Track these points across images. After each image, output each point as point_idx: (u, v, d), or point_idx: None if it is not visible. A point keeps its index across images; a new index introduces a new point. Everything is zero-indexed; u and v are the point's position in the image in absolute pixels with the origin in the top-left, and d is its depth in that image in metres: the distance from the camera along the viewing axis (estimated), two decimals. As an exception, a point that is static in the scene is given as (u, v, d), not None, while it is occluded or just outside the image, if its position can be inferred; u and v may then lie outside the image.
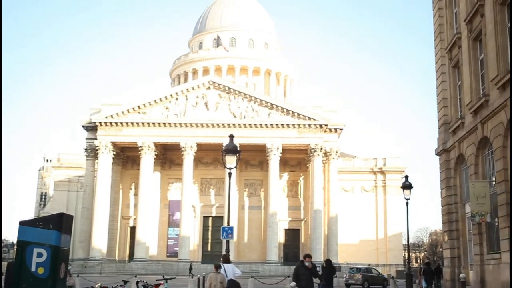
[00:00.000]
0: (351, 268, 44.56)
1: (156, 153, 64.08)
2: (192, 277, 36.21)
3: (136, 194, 66.26)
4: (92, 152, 64.42)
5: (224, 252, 19.89)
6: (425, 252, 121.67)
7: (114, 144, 63.70)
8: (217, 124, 62.10)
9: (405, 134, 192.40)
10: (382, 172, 75.49)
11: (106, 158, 62.73)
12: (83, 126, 65.56)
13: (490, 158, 21.56)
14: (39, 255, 9.28)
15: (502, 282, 19.03)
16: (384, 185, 75.11)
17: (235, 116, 63.07)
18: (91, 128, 64.47)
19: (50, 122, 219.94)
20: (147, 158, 62.58)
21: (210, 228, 67.55)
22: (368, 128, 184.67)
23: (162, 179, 67.89)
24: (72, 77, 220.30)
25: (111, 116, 62.66)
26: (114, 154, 63.98)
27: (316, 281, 18.94)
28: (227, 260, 17.70)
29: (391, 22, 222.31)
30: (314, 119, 62.16)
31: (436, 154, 27.88)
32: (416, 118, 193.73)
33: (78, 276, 32.50)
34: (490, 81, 20.38)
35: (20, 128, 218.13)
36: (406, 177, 34.00)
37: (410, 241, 45.96)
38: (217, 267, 16.38)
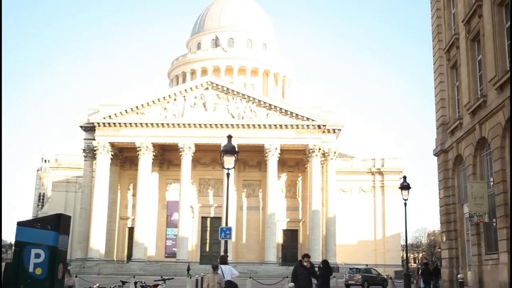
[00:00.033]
0: (351, 269, 44.57)
1: (154, 154, 64.06)
2: (190, 278, 36.20)
3: (134, 195, 66.24)
4: (90, 153, 64.38)
5: (222, 253, 19.91)
6: (423, 253, 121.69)
7: (112, 145, 63.67)
8: (215, 125, 62.10)
9: (404, 134, 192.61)
10: (380, 173, 75.52)
11: (104, 158, 62.68)
12: (81, 127, 65.53)
13: (488, 158, 21.58)
14: (37, 255, 9.28)
15: (500, 283, 19.04)
16: (382, 186, 75.14)
17: (233, 117, 63.08)
18: (89, 128, 64.42)
19: (49, 123, 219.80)
20: (145, 159, 62.55)
21: (208, 228, 67.53)
22: (367, 129, 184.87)
23: (160, 179, 67.85)
24: (71, 77, 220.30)
25: (109, 116, 62.62)
26: (112, 155, 63.95)
27: (314, 281, 18.93)
28: (224, 261, 17.72)
29: (390, 22, 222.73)
30: (312, 120, 62.19)
31: (434, 155, 27.90)
32: (415, 118, 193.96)
33: (76, 276, 32.42)
34: (488, 82, 20.41)
35: (19, 128, 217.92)
36: (404, 177, 34.02)
37: (408, 242, 46.02)
38: (215, 268, 16.40)
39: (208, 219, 67.72)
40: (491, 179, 20.96)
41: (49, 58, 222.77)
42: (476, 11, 21.62)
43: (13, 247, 9.76)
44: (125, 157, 68.03)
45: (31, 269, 9.24)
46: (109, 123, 62.71)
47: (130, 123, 62.66)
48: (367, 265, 52.95)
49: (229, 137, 21.90)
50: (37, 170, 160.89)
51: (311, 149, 61.96)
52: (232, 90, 64.01)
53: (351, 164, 76.73)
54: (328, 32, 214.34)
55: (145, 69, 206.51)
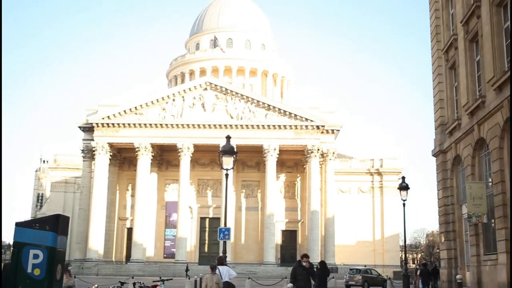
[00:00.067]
0: (351, 269, 44.61)
1: (153, 154, 64.03)
2: (189, 278, 36.19)
3: (133, 195, 66.24)
4: (89, 153, 64.35)
5: (221, 253, 19.90)
6: (422, 253, 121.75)
7: (111, 145, 63.64)
8: (214, 125, 62.10)
9: (403, 134, 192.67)
10: (379, 173, 75.51)
11: (103, 159, 62.64)
12: (79, 127, 65.51)
13: (487, 159, 21.60)
14: (35, 256, 9.27)
15: (498, 283, 19.05)
16: (381, 186, 75.13)
17: (232, 117, 63.07)
18: (88, 129, 64.40)
19: (48, 123, 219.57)
20: (144, 159, 62.53)
21: (207, 229, 67.52)
22: (366, 129, 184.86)
23: (159, 180, 67.82)
24: (69, 77, 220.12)
25: (108, 117, 62.60)
26: (111, 155, 63.92)
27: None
28: (221, 262, 17.72)
29: (389, 22, 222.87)
30: (311, 120, 62.21)
31: (433, 155, 27.92)
32: (415, 118, 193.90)
33: (75, 277, 32.35)
34: (487, 83, 20.43)
35: (18, 129, 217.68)
36: (403, 178, 34.07)
37: (407, 242, 46.09)
38: (213, 268, 16.41)
39: (207, 220, 67.70)
40: (490, 180, 20.98)
41: (48, 58, 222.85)
42: (475, 12, 21.65)
43: (12, 248, 9.74)
44: (123, 157, 68.01)
45: (29, 270, 9.24)
46: (107, 124, 62.69)
47: (129, 124, 62.63)
48: (365, 265, 52.95)
49: (228, 137, 21.91)
50: (36, 171, 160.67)
51: (309, 149, 61.97)
52: (231, 91, 64.02)
53: (350, 164, 76.75)
54: (327, 32, 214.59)
55: (144, 70, 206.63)
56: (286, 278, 34.49)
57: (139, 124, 62.48)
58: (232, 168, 21.30)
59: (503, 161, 19.00)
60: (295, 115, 62.39)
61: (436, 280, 31.58)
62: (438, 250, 72.09)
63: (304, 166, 65.02)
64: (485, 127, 20.65)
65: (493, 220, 20.42)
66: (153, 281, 20.33)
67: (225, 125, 61.79)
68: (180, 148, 62.13)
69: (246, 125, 62.18)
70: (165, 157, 68.27)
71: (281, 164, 65.76)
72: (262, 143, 62.15)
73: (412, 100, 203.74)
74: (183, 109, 63.29)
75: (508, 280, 18.04)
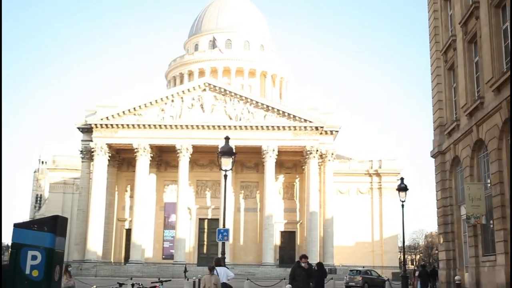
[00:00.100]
0: (351, 270, 44.63)
1: (152, 155, 63.99)
2: (187, 280, 36.16)
3: (131, 196, 66.18)
4: (88, 154, 64.29)
5: (220, 255, 19.88)
6: (421, 254, 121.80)
7: (110, 146, 63.60)
8: (213, 126, 62.09)
9: (403, 135, 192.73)
10: (378, 174, 75.51)
11: (101, 160, 62.59)
12: (78, 128, 65.42)
13: (485, 160, 21.60)
14: (34, 257, 9.26)
15: (497, 284, 19.05)
16: (380, 187, 75.12)
17: (230, 118, 63.06)
18: (87, 130, 64.34)
19: (46, 123, 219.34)
20: (143, 160, 62.48)
21: (205, 230, 67.49)
22: (365, 129, 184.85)
23: (158, 181, 67.78)
24: (69, 78, 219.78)
25: (107, 118, 62.56)
26: (109, 156, 63.87)
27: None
28: (219, 263, 17.71)
29: (388, 22, 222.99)
30: (310, 121, 62.21)
31: (432, 156, 27.92)
32: (414, 119, 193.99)
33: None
34: (485, 84, 20.43)
35: (17, 129, 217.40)
36: (402, 179, 34.06)
37: (405, 243, 46.06)
38: (211, 269, 16.40)
39: (206, 221, 67.68)
40: (488, 181, 20.98)
41: (48, 59, 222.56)
42: (473, 13, 21.65)
43: (10, 249, 9.73)
44: (122, 158, 67.97)
45: (27, 271, 9.22)
46: (106, 125, 62.65)
47: (128, 125, 62.59)
48: (363, 266, 52.97)
49: (227, 138, 21.91)
50: (34, 172, 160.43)
51: (308, 150, 61.98)
52: (230, 92, 64.01)
53: (349, 165, 76.73)
54: (326, 33, 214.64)
55: (142, 70, 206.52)
56: (285, 279, 34.49)
57: (138, 125, 62.45)
58: (231, 169, 21.29)
59: (502, 162, 19.00)
60: (294, 116, 62.40)
61: (434, 281, 31.60)
62: (437, 251, 72.05)
63: (303, 167, 65.03)
64: (484, 128, 20.66)
65: (491, 221, 20.41)
66: (152, 282, 20.35)
67: (224, 126, 61.78)
68: (179, 149, 62.10)
69: (245, 126, 62.18)
70: (164, 158, 68.23)
71: (280, 165, 65.76)
72: (261, 144, 62.15)
73: (411, 101, 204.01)
74: (182, 110, 63.27)
75: (506, 281, 18.04)
